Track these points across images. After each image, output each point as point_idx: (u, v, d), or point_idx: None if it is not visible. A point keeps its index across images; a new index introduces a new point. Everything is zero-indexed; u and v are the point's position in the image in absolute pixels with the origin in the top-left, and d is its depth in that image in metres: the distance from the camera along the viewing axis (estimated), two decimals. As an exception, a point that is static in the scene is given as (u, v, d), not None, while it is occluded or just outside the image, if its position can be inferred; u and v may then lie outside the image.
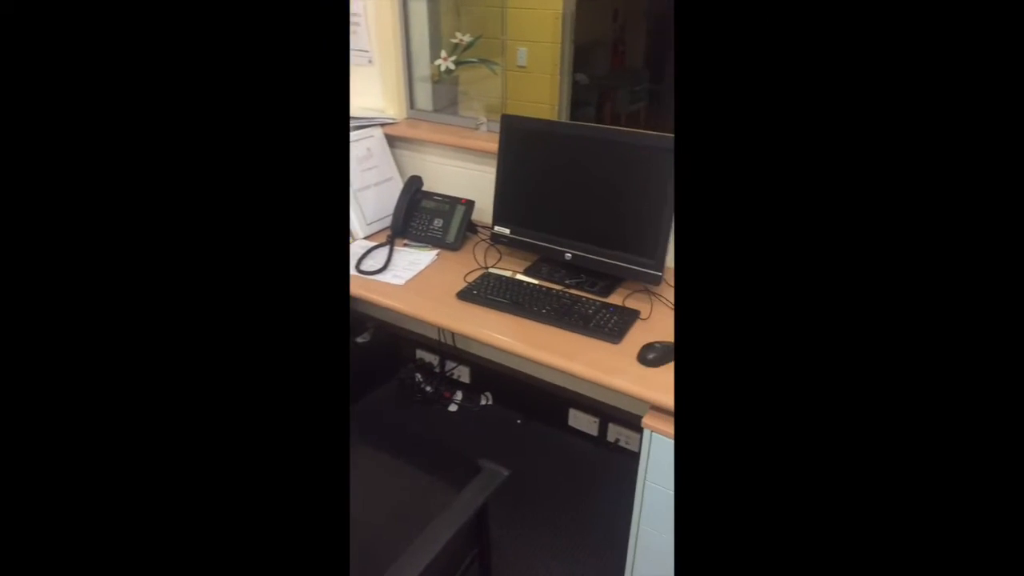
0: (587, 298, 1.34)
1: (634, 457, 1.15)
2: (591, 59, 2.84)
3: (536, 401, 1.98)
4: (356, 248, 1.57)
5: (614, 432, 1.87)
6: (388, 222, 1.68)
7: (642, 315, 1.30)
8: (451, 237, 1.60)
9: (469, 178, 1.76)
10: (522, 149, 1.47)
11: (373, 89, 1.87)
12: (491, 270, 1.49)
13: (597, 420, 1.89)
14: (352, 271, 1.46)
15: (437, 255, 1.57)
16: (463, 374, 2.14)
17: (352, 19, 1.78)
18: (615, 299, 1.37)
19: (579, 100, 2.62)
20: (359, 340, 2.17)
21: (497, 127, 1.50)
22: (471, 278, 1.44)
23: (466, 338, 1.29)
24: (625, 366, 1.14)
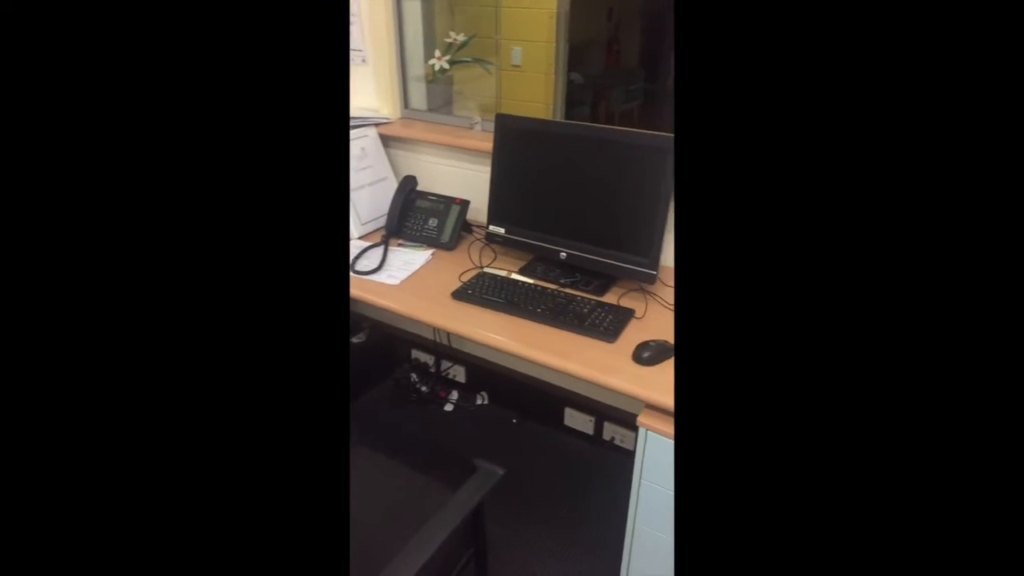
0: (582, 297, 1.34)
1: (630, 455, 1.15)
2: (586, 58, 2.84)
3: (532, 400, 1.98)
4: (351, 248, 1.57)
5: (610, 431, 1.87)
6: (383, 222, 1.68)
7: (637, 314, 1.30)
8: (446, 237, 1.60)
9: (464, 178, 1.76)
10: (517, 148, 1.47)
11: (367, 89, 1.86)
12: (486, 270, 1.48)
13: (593, 419, 1.89)
14: (347, 271, 1.46)
15: (432, 255, 1.57)
16: (459, 374, 2.14)
17: (346, 18, 1.77)
18: (610, 298, 1.37)
19: (574, 99, 2.61)
20: (354, 340, 2.17)
21: (492, 126, 1.50)
22: (466, 278, 1.44)
23: (461, 338, 1.29)
24: (620, 365, 1.14)
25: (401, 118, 1.89)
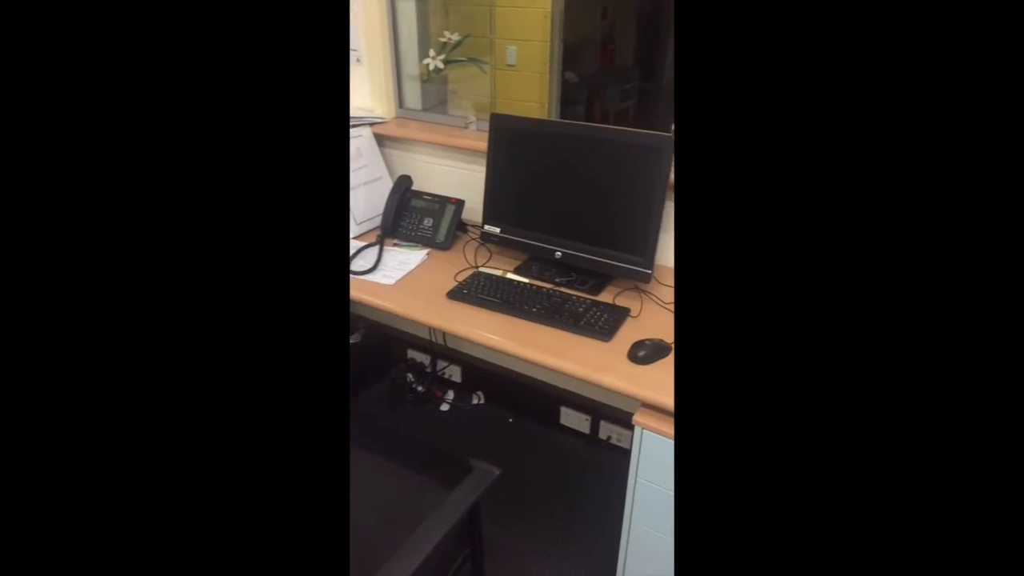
0: (577, 296, 1.34)
1: (626, 454, 1.15)
2: (580, 57, 2.84)
3: (528, 399, 1.98)
4: (346, 248, 1.57)
5: (606, 430, 1.87)
6: (378, 222, 1.67)
7: (632, 313, 1.30)
8: (441, 236, 1.60)
9: (459, 177, 1.76)
10: (512, 148, 1.47)
11: (362, 88, 1.86)
12: (481, 269, 1.48)
13: (589, 418, 1.89)
14: (342, 271, 1.45)
15: (427, 254, 1.56)
16: (454, 373, 2.14)
17: (340, 18, 1.77)
18: (605, 297, 1.37)
19: (568, 98, 2.62)
20: (350, 340, 2.16)
21: (486, 126, 1.50)
22: (461, 277, 1.43)
23: (457, 337, 1.29)
24: (616, 364, 1.14)
25: (396, 118, 1.88)
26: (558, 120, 1.62)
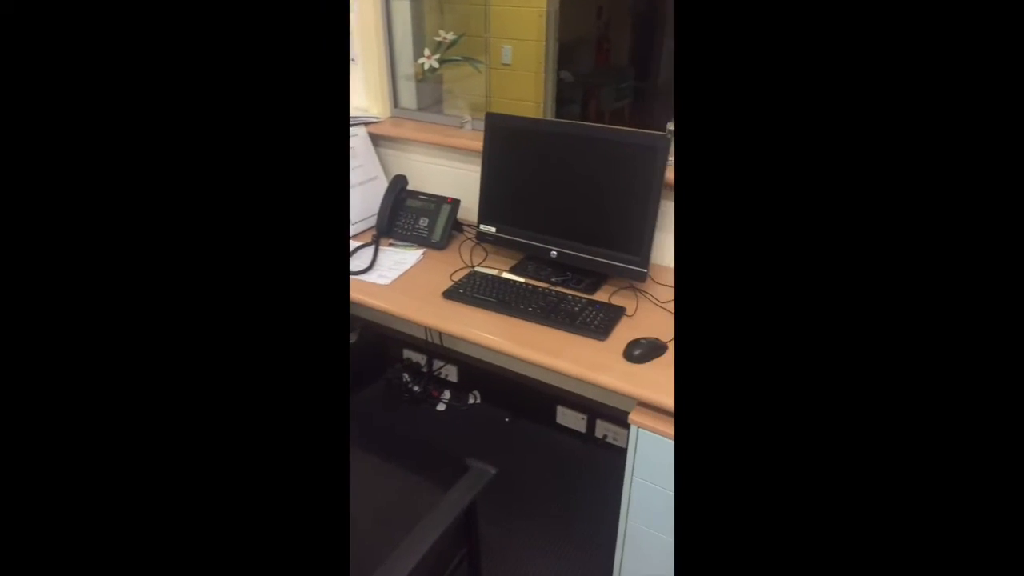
0: (573, 295, 1.34)
1: (622, 453, 1.16)
2: (576, 56, 2.84)
3: (524, 399, 1.98)
4: (341, 248, 1.56)
5: (602, 428, 1.87)
6: (373, 222, 1.67)
7: (627, 312, 1.31)
8: (437, 236, 1.60)
9: (454, 177, 1.76)
10: (507, 147, 1.47)
11: (356, 88, 1.86)
12: (477, 269, 1.48)
13: (585, 417, 1.89)
14: (337, 271, 1.45)
15: (423, 254, 1.56)
16: (451, 373, 2.14)
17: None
18: (601, 296, 1.37)
19: (564, 98, 2.62)
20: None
21: (482, 125, 1.50)
22: (457, 277, 1.43)
23: (453, 337, 1.29)
24: (611, 363, 1.14)
25: (391, 117, 1.88)
26: (553, 119, 1.62)
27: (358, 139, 1.74)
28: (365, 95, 1.86)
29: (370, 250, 1.55)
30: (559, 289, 1.38)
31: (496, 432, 1.98)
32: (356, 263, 1.49)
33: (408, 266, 1.50)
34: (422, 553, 0.89)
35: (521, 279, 1.43)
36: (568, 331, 1.23)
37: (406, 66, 1.88)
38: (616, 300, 1.35)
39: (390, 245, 1.60)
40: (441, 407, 2.08)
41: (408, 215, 1.64)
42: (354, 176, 1.70)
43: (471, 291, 1.35)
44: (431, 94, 1.98)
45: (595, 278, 1.43)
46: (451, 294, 1.36)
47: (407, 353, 2.21)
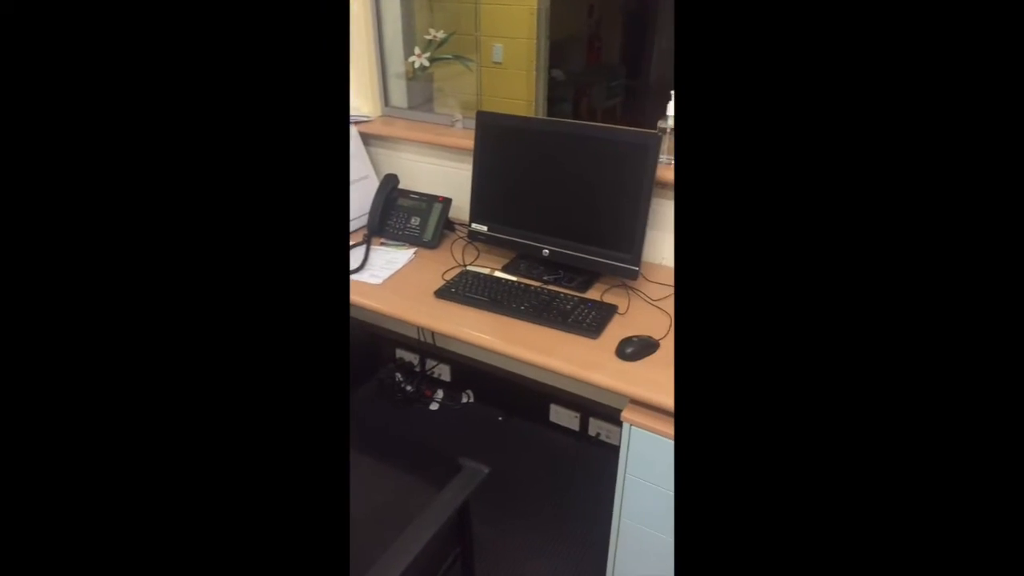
0: (565, 294, 1.34)
1: (615, 450, 1.16)
2: (567, 55, 2.85)
3: (517, 397, 1.98)
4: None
5: (595, 426, 1.88)
6: (364, 221, 1.67)
7: (620, 310, 1.31)
8: (428, 235, 1.59)
9: (445, 175, 1.75)
10: (498, 146, 1.47)
11: (347, 86, 1.85)
12: (469, 268, 1.48)
13: (578, 415, 1.89)
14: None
15: (414, 253, 1.56)
16: (444, 372, 2.14)
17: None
18: (593, 294, 1.37)
19: (555, 96, 2.62)
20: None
21: (473, 124, 1.49)
22: (449, 276, 1.43)
23: (446, 336, 1.29)
24: (604, 361, 1.14)
25: (381, 116, 1.87)
26: (545, 118, 1.62)
27: (349, 138, 1.73)
28: (355, 94, 1.85)
29: (361, 249, 1.54)
30: (551, 287, 1.38)
31: (489, 431, 1.98)
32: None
33: (400, 265, 1.49)
34: (415, 553, 0.89)
35: (513, 278, 1.42)
36: (560, 329, 1.23)
37: (396, 65, 1.87)
38: (608, 298, 1.35)
39: (381, 244, 1.60)
40: (434, 406, 2.08)
41: (399, 214, 1.63)
42: (345, 175, 1.69)
43: (463, 290, 1.35)
44: (422, 93, 1.97)
45: (587, 276, 1.43)
46: (443, 293, 1.36)
47: (400, 353, 2.21)
